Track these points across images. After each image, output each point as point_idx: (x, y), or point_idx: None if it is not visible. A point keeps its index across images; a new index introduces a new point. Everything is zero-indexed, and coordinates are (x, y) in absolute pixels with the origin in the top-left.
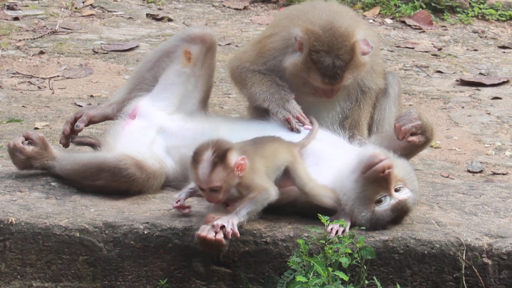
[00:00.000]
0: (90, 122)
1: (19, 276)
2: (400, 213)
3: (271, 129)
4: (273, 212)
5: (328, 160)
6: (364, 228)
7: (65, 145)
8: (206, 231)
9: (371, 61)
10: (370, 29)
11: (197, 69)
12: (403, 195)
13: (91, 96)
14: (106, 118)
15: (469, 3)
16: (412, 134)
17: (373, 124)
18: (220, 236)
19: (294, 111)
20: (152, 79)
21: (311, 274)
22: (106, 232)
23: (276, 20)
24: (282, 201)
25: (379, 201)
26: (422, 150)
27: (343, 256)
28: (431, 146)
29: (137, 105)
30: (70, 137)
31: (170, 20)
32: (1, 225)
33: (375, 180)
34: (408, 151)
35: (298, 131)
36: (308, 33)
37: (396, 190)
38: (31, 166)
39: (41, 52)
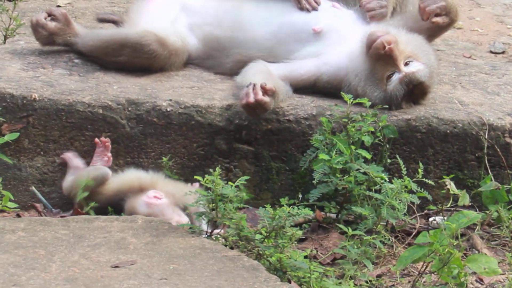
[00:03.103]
0: None
1: (42, 152)
2: (412, 87)
3: (293, 7)
4: (296, 91)
5: (348, 40)
6: (386, 107)
7: None
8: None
9: None
10: None
11: None
12: (411, 68)
13: None
14: None
15: None
16: (437, 15)
17: (396, 5)
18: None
19: None
20: None
21: (334, 152)
22: (129, 109)
23: None
24: (304, 82)
25: (389, 79)
26: (446, 31)
27: (365, 135)
28: (453, 27)
29: None
30: None
31: None
32: (25, 101)
33: (379, 57)
34: (432, 32)
35: (309, 10)
36: None
37: (406, 65)
38: (54, 42)
39: None
